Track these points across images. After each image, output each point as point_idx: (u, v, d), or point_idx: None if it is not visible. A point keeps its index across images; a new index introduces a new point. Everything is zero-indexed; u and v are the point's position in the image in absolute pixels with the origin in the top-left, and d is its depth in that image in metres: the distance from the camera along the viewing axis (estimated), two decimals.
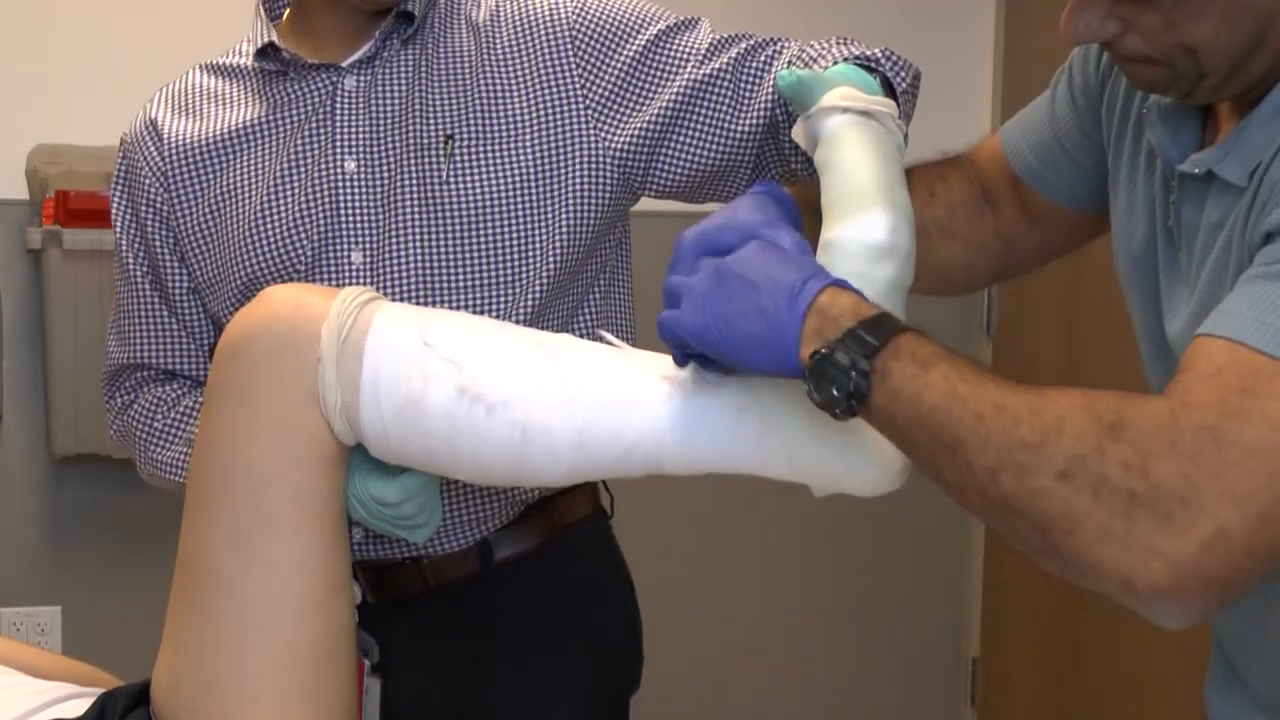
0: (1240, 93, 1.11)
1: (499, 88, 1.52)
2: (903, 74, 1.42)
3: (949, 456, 0.98)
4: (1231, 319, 0.98)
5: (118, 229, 1.62)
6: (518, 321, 1.48)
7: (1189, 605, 0.93)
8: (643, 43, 1.53)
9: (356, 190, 1.51)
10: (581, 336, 1.51)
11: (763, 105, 1.49)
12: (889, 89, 1.37)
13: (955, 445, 0.97)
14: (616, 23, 1.54)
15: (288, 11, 1.61)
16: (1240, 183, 1.08)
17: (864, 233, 1.17)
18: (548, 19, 1.54)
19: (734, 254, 1.10)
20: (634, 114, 1.52)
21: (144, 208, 1.59)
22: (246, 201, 1.53)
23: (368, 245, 1.50)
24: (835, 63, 1.40)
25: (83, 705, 1.26)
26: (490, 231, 1.49)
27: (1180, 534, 0.91)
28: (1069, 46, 1.12)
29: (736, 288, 1.08)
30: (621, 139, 1.52)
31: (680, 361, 1.16)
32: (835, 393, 1.02)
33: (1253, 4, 1.04)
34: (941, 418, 0.98)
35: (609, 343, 1.28)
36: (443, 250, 1.49)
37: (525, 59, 1.53)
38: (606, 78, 1.52)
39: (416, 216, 1.50)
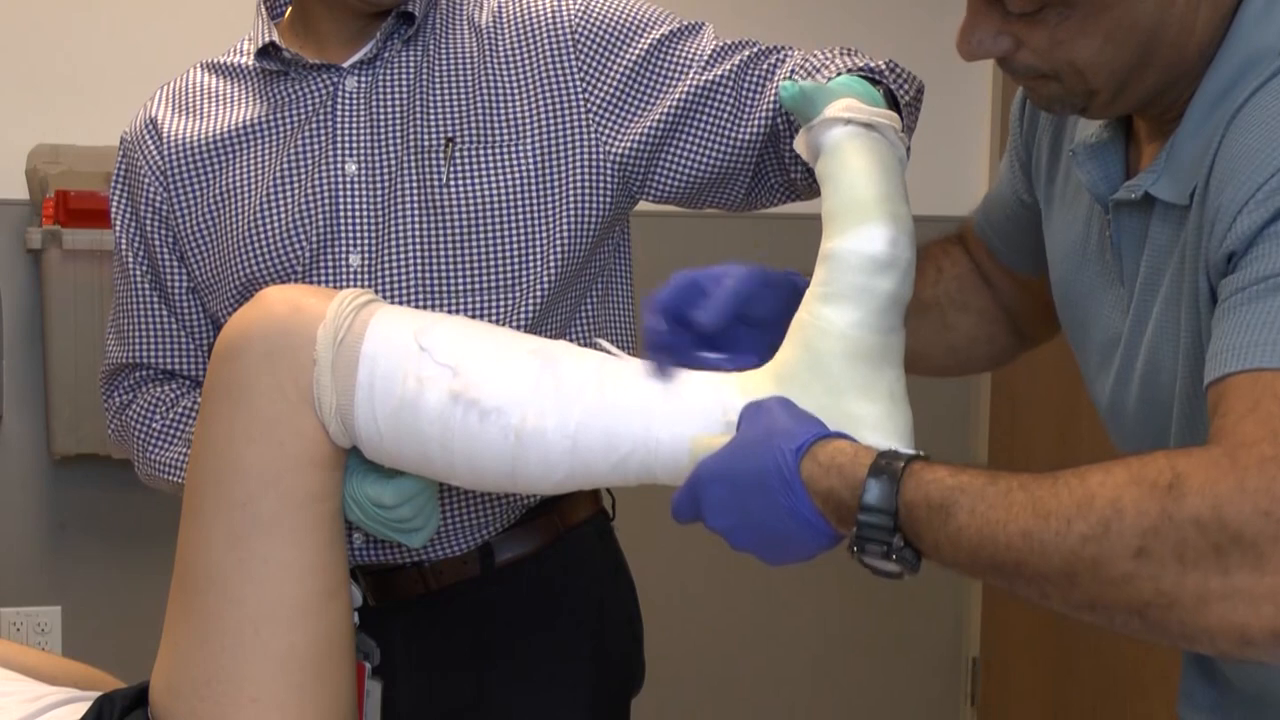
0: (1142, 108, 1.13)
1: (500, 90, 1.52)
2: (906, 86, 1.42)
3: (1017, 579, 0.97)
4: (1239, 352, 0.96)
5: (117, 228, 1.62)
6: (518, 326, 1.48)
7: None
8: (645, 47, 1.53)
9: (356, 192, 1.50)
10: (580, 340, 1.52)
11: (764, 113, 1.49)
12: (892, 101, 1.37)
13: (1018, 569, 0.96)
14: (619, 25, 1.53)
15: (289, 10, 1.60)
16: (1180, 201, 1.09)
17: (864, 245, 1.17)
18: (550, 21, 1.54)
19: (699, 490, 1.14)
20: (635, 119, 1.52)
21: (144, 207, 1.58)
22: (246, 201, 1.53)
23: (366, 248, 1.50)
24: (839, 73, 1.39)
25: (80, 709, 1.26)
26: (490, 235, 1.49)
27: (1278, 569, 0.88)
28: (966, 62, 1.15)
29: (747, 533, 1.14)
30: (622, 144, 1.52)
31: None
32: (892, 570, 1.07)
33: (1135, 24, 1.05)
34: (991, 552, 0.97)
35: (606, 351, 1.28)
36: (442, 254, 1.49)
37: (527, 61, 1.53)
38: (608, 81, 1.52)
39: (416, 220, 1.49)
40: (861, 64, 1.43)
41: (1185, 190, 1.08)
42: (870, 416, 1.16)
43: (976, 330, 1.47)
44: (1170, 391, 1.12)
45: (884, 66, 1.43)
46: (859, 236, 1.17)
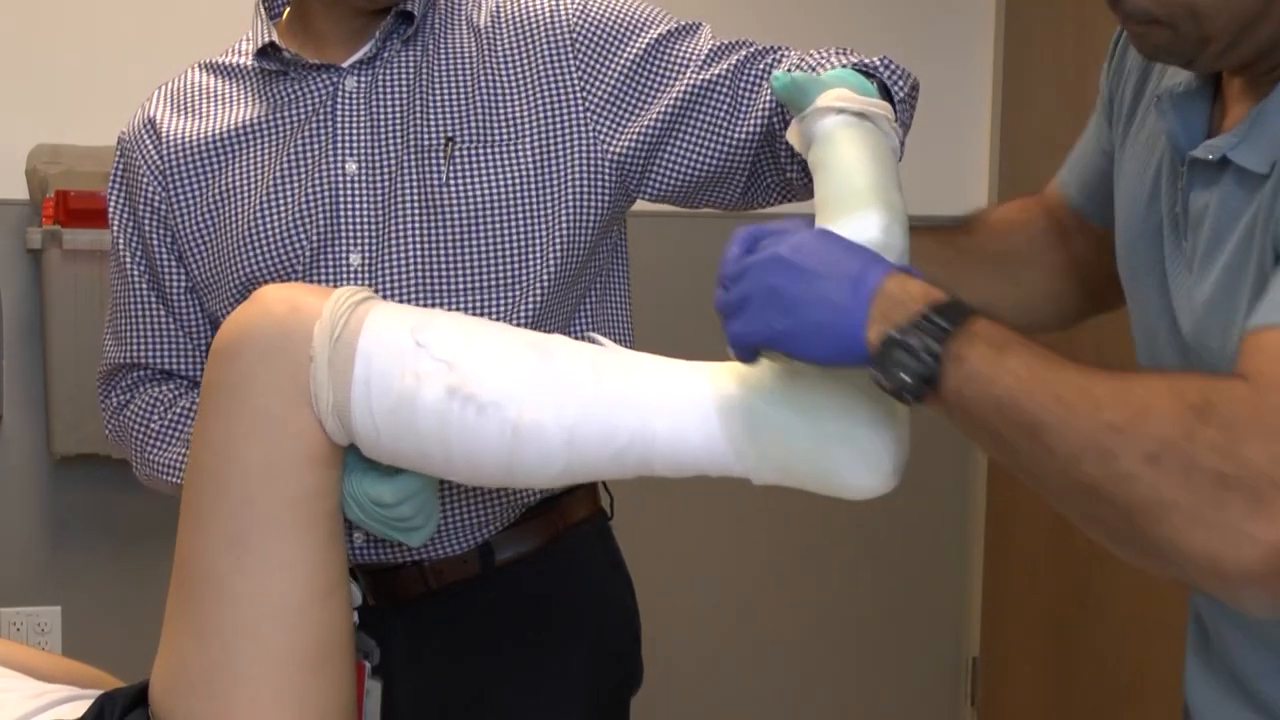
0: (1245, 65, 1.11)
1: (499, 90, 1.52)
2: (901, 82, 1.43)
3: (1027, 441, 0.98)
4: None
5: (115, 227, 1.62)
6: (518, 324, 1.48)
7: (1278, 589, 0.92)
8: (643, 46, 1.53)
9: (356, 192, 1.51)
10: (577, 339, 1.52)
11: (760, 113, 1.49)
12: (886, 95, 1.37)
13: (1034, 430, 0.97)
14: (617, 25, 1.54)
15: (287, 10, 1.61)
16: (1260, 170, 1.08)
17: (858, 232, 1.16)
18: (548, 21, 1.54)
19: (790, 240, 1.10)
20: (633, 118, 1.52)
21: (142, 206, 1.58)
22: (246, 201, 1.53)
23: (366, 247, 1.50)
24: (832, 69, 1.40)
25: (81, 707, 1.26)
26: (490, 234, 1.49)
27: (1273, 516, 0.90)
28: None
29: (797, 277, 1.08)
30: (620, 143, 1.52)
31: (747, 360, 1.15)
32: (905, 378, 1.02)
33: None
34: (1020, 401, 0.97)
35: (599, 344, 1.28)
36: (442, 253, 1.49)
37: (526, 61, 1.53)
38: (606, 81, 1.52)
39: (416, 219, 1.50)
40: (856, 60, 1.43)
41: (1267, 159, 1.07)
42: (865, 408, 1.16)
43: (1045, 286, 1.46)
44: (1217, 357, 1.12)
45: (878, 62, 1.43)
46: (852, 224, 1.17)
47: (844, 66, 1.40)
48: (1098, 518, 0.97)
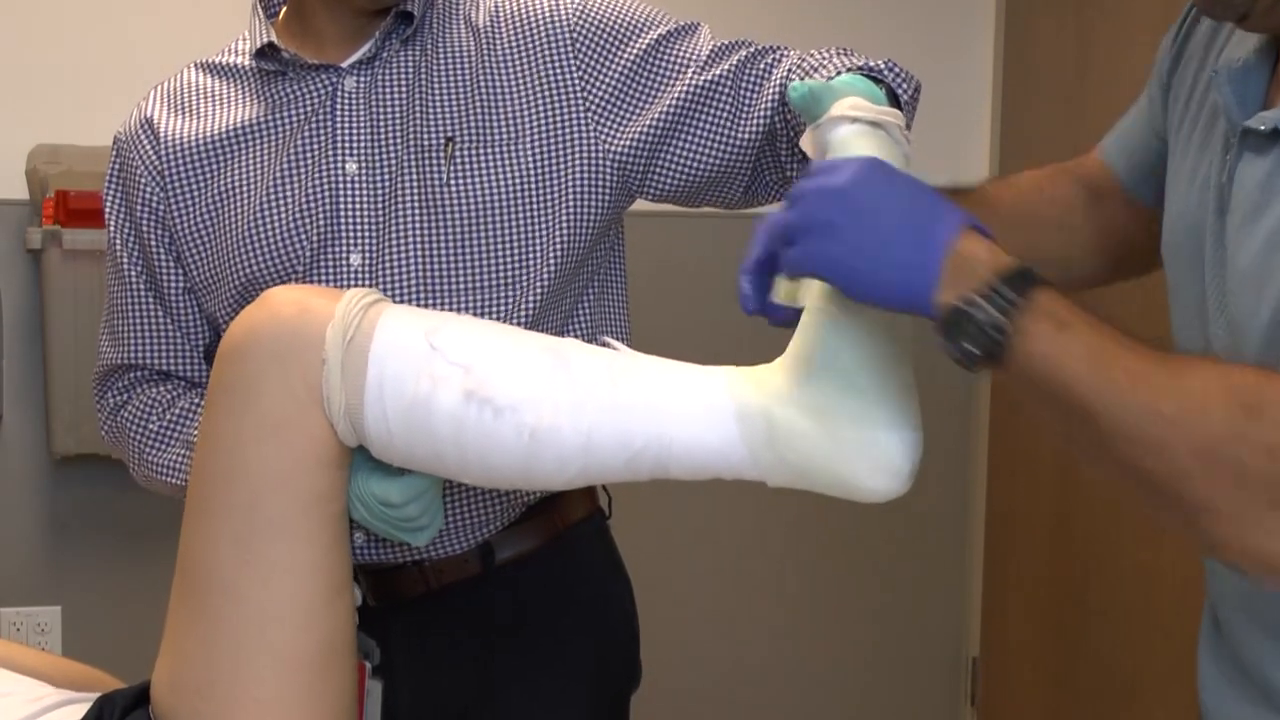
0: None
1: (499, 90, 1.52)
2: (905, 85, 1.43)
3: (1083, 424, 0.99)
4: None
5: (111, 228, 1.62)
6: (518, 324, 1.49)
7: None
8: (643, 46, 1.53)
9: (357, 192, 1.51)
10: (577, 338, 1.52)
11: (762, 113, 1.49)
12: (894, 100, 1.38)
13: (1091, 414, 0.98)
14: (617, 25, 1.54)
15: (284, 10, 1.61)
16: None
17: None
18: (548, 21, 1.54)
19: (847, 172, 1.07)
20: (633, 118, 1.52)
21: (139, 206, 1.58)
22: (245, 202, 1.53)
23: (367, 247, 1.50)
24: (838, 73, 1.40)
25: (80, 710, 1.26)
26: (490, 234, 1.50)
27: None
28: None
29: (857, 216, 1.05)
30: (621, 143, 1.52)
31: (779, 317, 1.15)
32: (971, 349, 1.01)
33: None
34: (1078, 386, 0.98)
35: (614, 348, 1.28)
36: (442, 253, 1.49)
37: (526, 61, 1.53)
38: (606, 81, 1.53)
39: (416, 219, 1.50)
40: (860, 63, 1.43)
41: None
42: (883, 413, 1.17)
43: (1065, 252, 1.45)
44: (1248, 330, 1.11)
45: (883, 65, 1.43)
46: None
47: (849, 70, 1.41)
48: (1148, 501, 0.99)
